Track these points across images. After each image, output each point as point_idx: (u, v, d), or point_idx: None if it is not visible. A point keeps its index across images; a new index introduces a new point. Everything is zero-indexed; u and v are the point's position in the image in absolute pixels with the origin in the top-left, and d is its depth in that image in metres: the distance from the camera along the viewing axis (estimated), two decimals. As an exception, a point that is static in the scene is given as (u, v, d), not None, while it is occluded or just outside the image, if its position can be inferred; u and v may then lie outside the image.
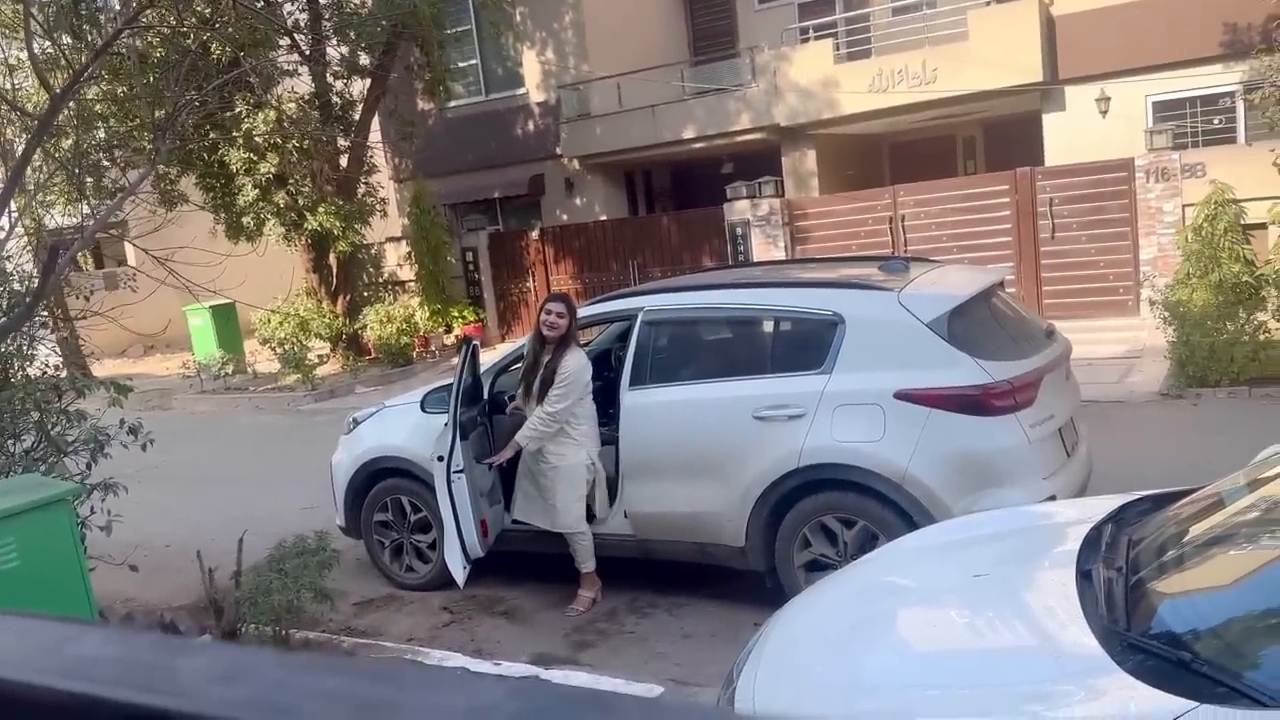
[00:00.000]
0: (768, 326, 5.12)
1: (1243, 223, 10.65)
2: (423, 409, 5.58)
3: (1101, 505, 3.50)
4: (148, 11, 5.21)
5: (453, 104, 18.35)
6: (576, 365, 5.00)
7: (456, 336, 17.31)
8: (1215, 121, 12.84)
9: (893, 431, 4.55)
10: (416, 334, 16.52)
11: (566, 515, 5.15)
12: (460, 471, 5.02)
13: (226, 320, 17.38)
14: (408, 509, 6.05)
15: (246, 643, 5.07)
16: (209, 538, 7.85)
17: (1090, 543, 3.01)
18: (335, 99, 15.74)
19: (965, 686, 2.43)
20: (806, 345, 4.92)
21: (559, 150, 17.63)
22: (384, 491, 6.14)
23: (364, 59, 15.24)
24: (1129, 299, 11.80)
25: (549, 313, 4.91)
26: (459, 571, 5.13)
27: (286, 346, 16.17)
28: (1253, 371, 8.25)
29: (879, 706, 2.43)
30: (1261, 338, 8.20)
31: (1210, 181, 10.81)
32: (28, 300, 4.93)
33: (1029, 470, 4.52)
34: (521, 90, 18.33)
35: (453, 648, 5.20)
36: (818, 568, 4.85)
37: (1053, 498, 4.57)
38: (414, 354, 16.33)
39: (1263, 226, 10.78)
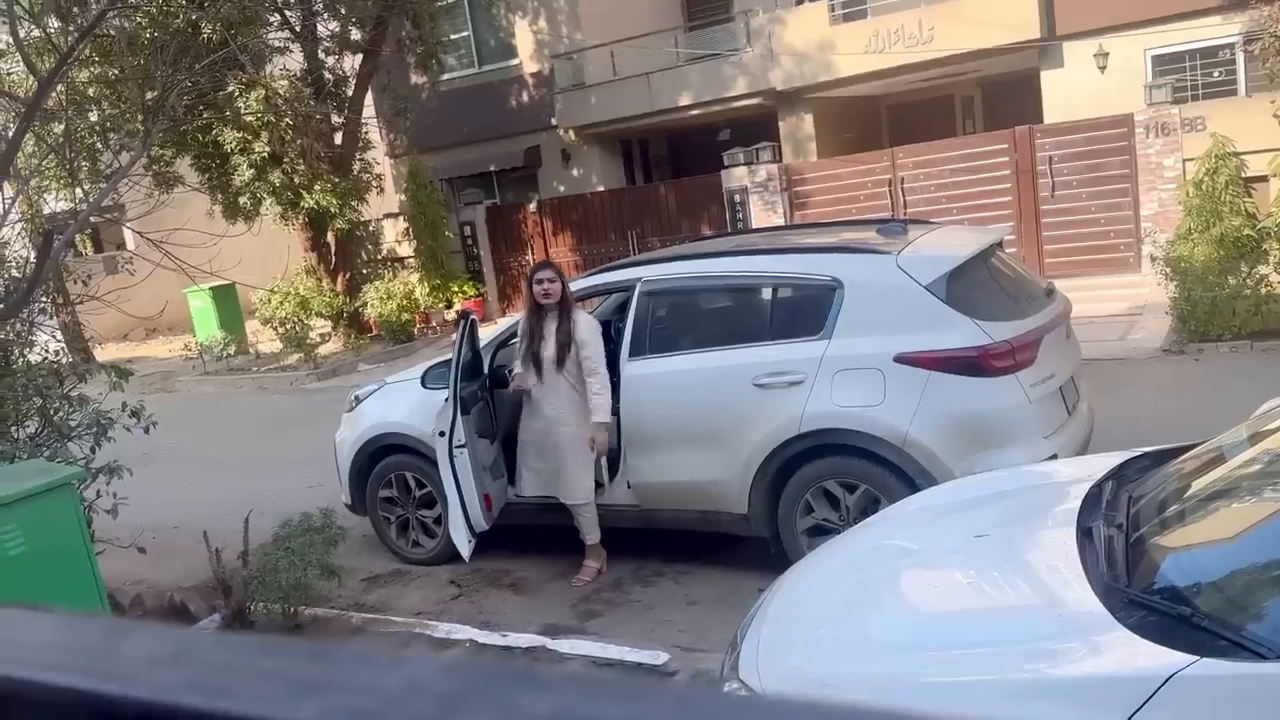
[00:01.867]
0: (766, 293, 5.10)
1: (1244, 176, 10.57)
2: (423, 385, 5.58)
3: (1102, 463, 3.50)
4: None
5: (446, 77, 18.20)
6: (590, 324, 5.03)
7: (457, 311, 17.28)
8: (1215, 75, 12.72)
9: (893, 395, 4.55)
10: (417, 310, 16.51)
11: (578, 487, 5.15)
12: (463, 446, 5.02)
13: (227, 301, 17.38)
14: (412, 485, 6.07)
15: (255, 620, 5.12)
16: (216, 518, 7.87)
17: (1091, 500, 3.01)
18: (327, 75, 15.63)
19: (969, 646, 2.44)
20: (805, 311, 4.90)
21: (554, 121, 17.51)
22: (388, 468, 6.16)
23: (355, 34, 15.12)
24: (1130, 255, 11.75)
25: (540, 281, 4.90)
26: (464, 545, 5.16)
27: (288, 326, 16.19)
28: (1254, 325, 8.23)
29: (884, 668, 2.45)
30: (1264, 291, 8.16)
31: (1211, 135, 10.71)
32: (24, 286, 4.93)
33: (1030, 430, 4.52)
34: (515, 61, 18.19)
35: (460, 620, 5.24)
36: (820, 532, 4.87)
37: (1054, 457, 4.57)
38: (415, 330, 16.32)
39: (1264, 179, 10.69)
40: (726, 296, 5.41)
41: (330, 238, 16.36)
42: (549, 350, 4.90)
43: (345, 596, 5.79)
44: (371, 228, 18.20)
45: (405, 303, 16.11)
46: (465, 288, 16.96)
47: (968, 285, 4.69)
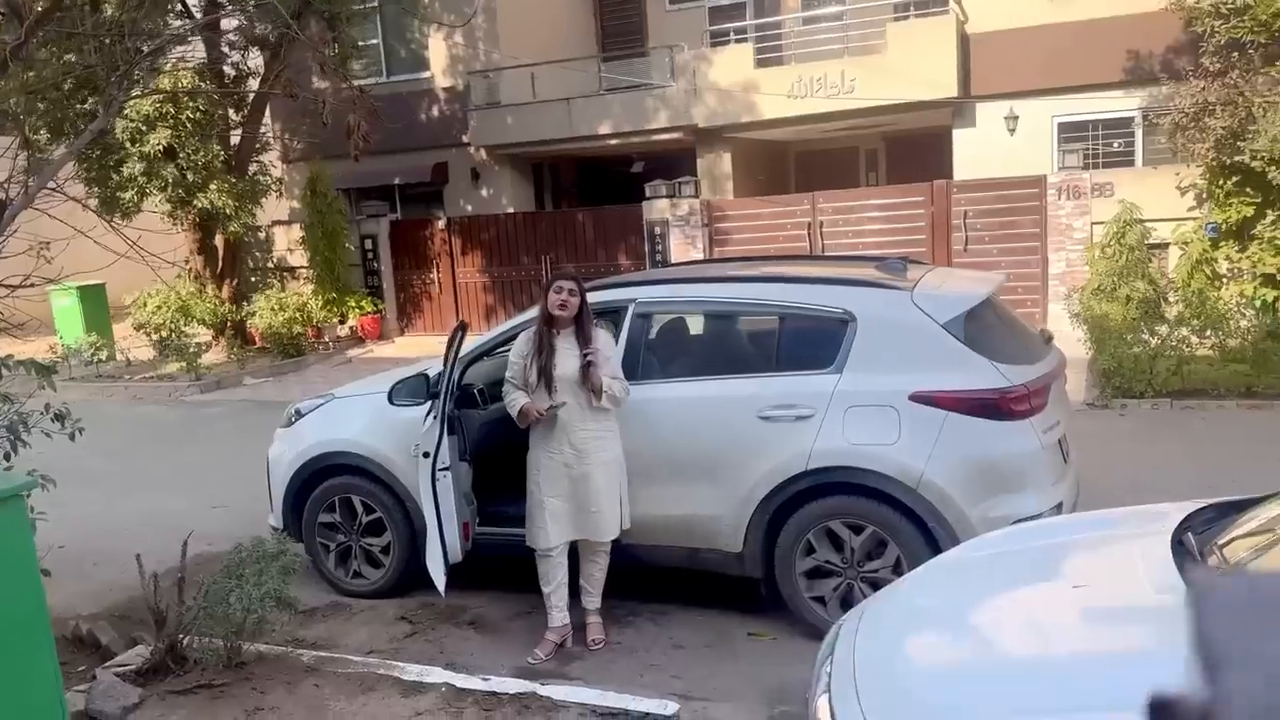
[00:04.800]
0: (773, 323, 4.90)
1: (1148, 242, 11.15)
2: (391, 401, 5.12)
3: (1145, 517, 3.43)
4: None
5: (348, 85, 17.50)
6: (611, 341, 4.68)
7: (351, 328, 16.51)
8: (1115, 145, 13.45)
9: (908, 434, 4.41)
10: (310, 324, 15.66)
11: (612, 522, 4.67)
12: (446, 469, 4.60)
13: (96, 302, 16.08)
14: (359, 510, 5.57)
15: (192, 656, 4.53)
16: (105, 538, 7.12)
17: (1182, 553, 2.91)
18: (229, 71, 14.78)
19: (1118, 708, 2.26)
20: (815, 343, 4.73)
21: (466, 139, 17.06)
22: (331, 490, 5.64)
23: (264, 30, 14.34)
24: (1036, 312, 12.19)
25: (559, 291, 4.51)
26: (440, 577, 4.70)
27: (164, 333, 15.07)
28: (1174, 385, 8.58)
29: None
30: (1185, 351, 8.54)
31: (1120, 201, 11.28)
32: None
33: (1041, 477, 4.46)
34: (426, 74, 17.67)
35: (419, 660, 4.78)
36: (820, 574, 4.68)
37: (1059, 505, 4.53)
38: (305, 345, 15.45)
39: (1165, 246, 11.31)
40: (730, 323, 5.19)
41: (219, 241, 15.39)
42: (566, 368, 4.50)
43: (278, 631, 5.20)
44: (262, 234, 17.24)
45: (298, 315, 15.26)
46: (363, 303, 16.22)
47: (981, 327, 4.62)
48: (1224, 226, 10.61)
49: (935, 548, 4.40)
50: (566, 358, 4.50)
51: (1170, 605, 2.65)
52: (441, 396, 4.61)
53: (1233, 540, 2.99)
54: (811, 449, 4.52)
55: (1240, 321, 8.82)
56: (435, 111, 17.48)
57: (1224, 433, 7.98)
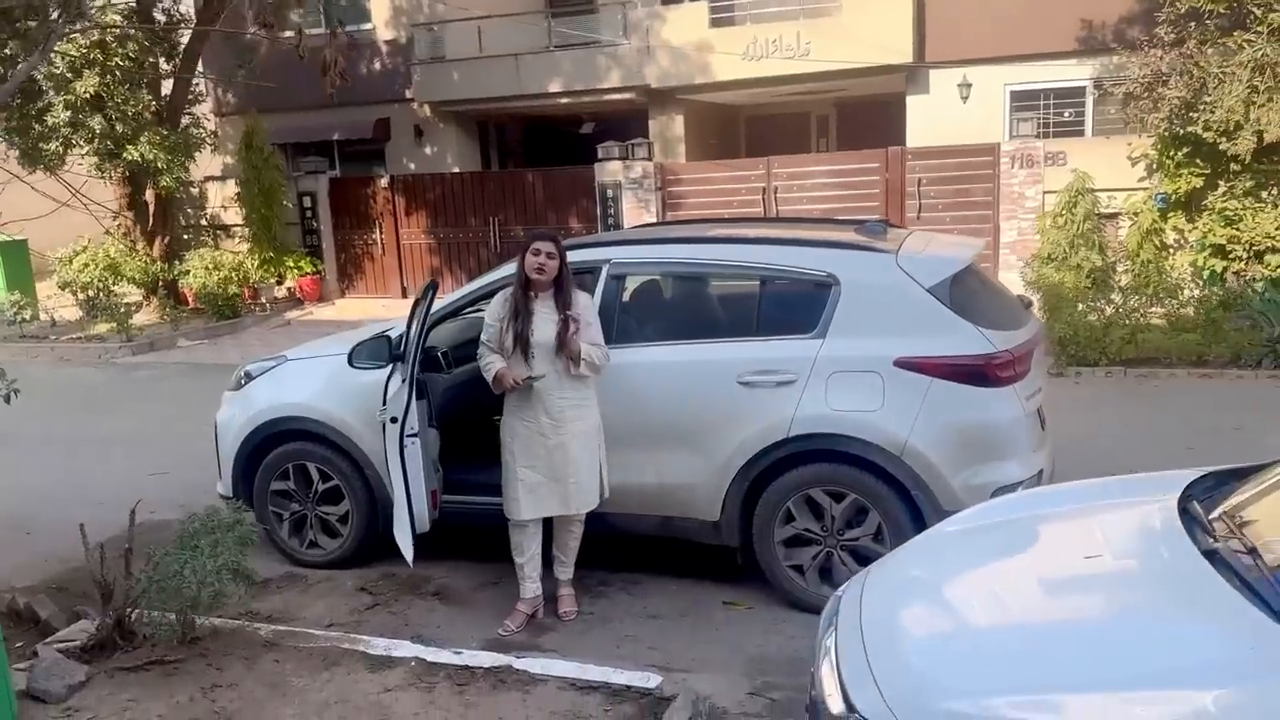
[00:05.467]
0: (753, 286, 4.74)
1: (1099, 212, 11.25)
2: (351, 363, 4.86)
3: (1141, 485, 3.38)
4: None
5: (288, 34, 16.83)
6: (591, 305, 4.47)
7: (289, 289, 15.98)
8: (1066, 114, 13.53)
9: (892, 401, 4.31)
10: (245, 284, 15.10)
11: (591, 492, 4.49)
12: (414, 435, 4.37)
13: (17, 259, 15.31)
14: (315, 476, 5.32)
15: (139, 631, 4.27)
16: (37, 505, 6.75)
17: (1190, 521, 2.85)
18: (160, 17, 14.07)
19: (1148, 681, 2.18)
20: (797, 307, 4.59)
21: (409, 94, 16.55)
22: (284, 457, 5.37)
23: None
24: (987, 280, 12.25)
25: (537, 253, 4.29)
26: (408, 547, 4.49)
27: (91, 292, 14.41)
28: (1128, 352, 8.68)
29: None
30: (1138, 320, 8.63)
31: (1072, 171, 11.34)
32: None
33: (1024, 444, 4.40)
34: (368, 25, 17.08)
35: (384, 633, 4.58)
36: (799, 543, 4.58)
37: (1040, 474, 4.49)
38: (241, 306, 14.90)
39: (1115, 216, 11.43)
40: (708, 286, 5.02)
41: (150, 197, 14.73)
42: (543, 334, 4.28)
43: (233, 605, 4.93)
44: (195, 190, 16.57)
45: (233, 275, 14.70)
46: (301, 264, 15.70)
47: (965, 292, 4.53)
48: (1174, 197, 10.74)
49: (917, 515, 4.34)
50: (544, 323, 4.29)
51: (1189, 571, 2.59)
52: (410, 359, 4.38)
53: (1236, 508, 2.94)
54: (794, 416, 4.40)
55: (1192, 291, 8.93)
56: (377, 65, 16.91)
57: (1178, 401, 8.09)
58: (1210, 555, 2.65)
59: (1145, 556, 2.78)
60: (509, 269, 4.94)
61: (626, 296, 4.92)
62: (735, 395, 4.51)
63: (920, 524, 4.35)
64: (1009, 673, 2.25)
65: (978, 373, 4.29)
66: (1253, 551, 2.62)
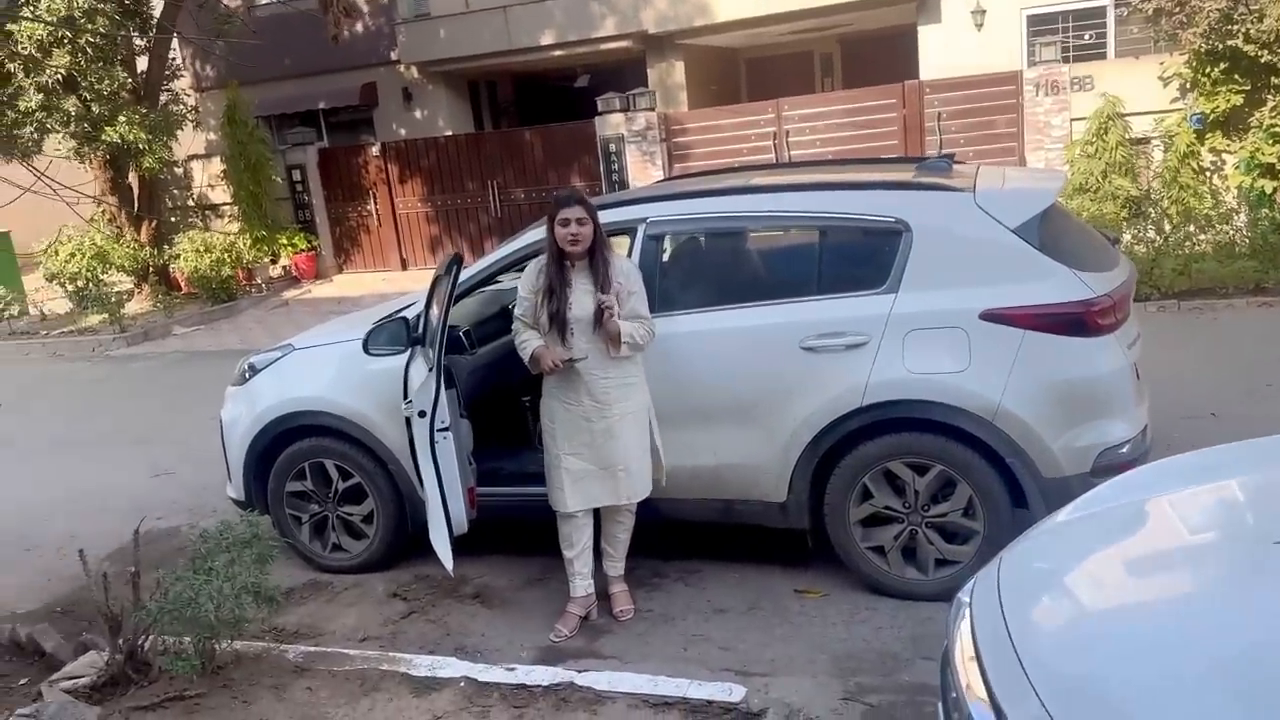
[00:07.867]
0: (811, 238, 4.23)
1: (1129, 137, 10.68)
2: (366, 351, 4.37)
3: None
4: None
5: (264, 1, 16.14)
6: (635, 272, 3.96)
7: (285, 268, 15.42)
8: (1086, 37, 12.87)
9: (980, 359, 3.83)
10: (239, 265, 14.54)
11: (642, 480, 4.05)
12: (446, 429, 3.89)
13: (2, 253, 14.76)
14: (334, 475, 4.85)
15: (157, 663, 3.83)
16: (40, 518, 6.30)
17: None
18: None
19: None
20: (863, 260, 4.09)
21: (395, 55, 15.85)
22: (299, 455, 4.89)
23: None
24: (1014, 216, 11.71)
25: (566, 223, 3.77)
26: (446, 553, 4.02)
27: (80, 282, 13.85)
28: (1181, 285, 8.17)
29: None
30: (1190, 250, 8.11)
31: (1101, 95, 10.75)
32: None
33: (1128, 398, 3.92)
34: (348, -13, 16.29)
35: (424, 647, 4.14)
36: (878, 522, 4.12)
37: (1145, 429, 4.02)
38: (236, 288, 14.36)
39: (1146, 141, 10.85)
40: (760, 242, 4.51)
41: (134, 179, 14.12)
42: (582, 308, 3.78)
43: (253, 620, 4.48)
44: (179, 170, 15.94)
45: (226, 256, 14.13)
46: (295, 240, 15.12)
47: (1054, 231, 4.02)
48: (1210, 117, 10.15)
49: (1013, 485, 3.89)
50: (582, 296, 3.79)
51: None
52: (436, 344, 3.88)
53: None
54: (867, 382, 3.92)
55: (1240, 216, 8.40)
56: (360, 26, 16.17)
57: (1241, 332, 7.61)
58: None
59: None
60: (534, 234, 4.43)
61: (667, 259, 4.42)
62: (799, 362, 4.02)
63: (1016, 494, 3.91)
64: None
65: (1077, 321, 3.79)
66: None
